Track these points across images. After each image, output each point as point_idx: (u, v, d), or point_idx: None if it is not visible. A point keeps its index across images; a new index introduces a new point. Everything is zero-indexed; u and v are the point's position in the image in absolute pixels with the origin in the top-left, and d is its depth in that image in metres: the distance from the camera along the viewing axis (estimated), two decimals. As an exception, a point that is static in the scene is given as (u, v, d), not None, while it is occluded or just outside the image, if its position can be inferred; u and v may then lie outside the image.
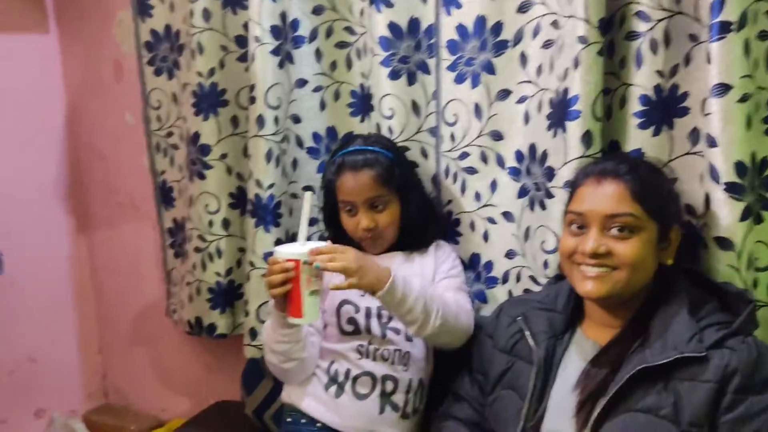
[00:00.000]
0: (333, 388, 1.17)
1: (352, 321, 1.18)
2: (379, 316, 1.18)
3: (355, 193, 1.17)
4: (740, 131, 0.96)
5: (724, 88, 0.95)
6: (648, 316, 0.94)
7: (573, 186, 1.01)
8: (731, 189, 0.97)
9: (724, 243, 0.99)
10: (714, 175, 0.98)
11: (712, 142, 0.98)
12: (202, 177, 1.45)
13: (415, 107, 1.30)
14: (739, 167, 0.97)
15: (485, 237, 1.29)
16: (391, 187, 1.18)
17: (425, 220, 1.24)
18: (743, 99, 0.96)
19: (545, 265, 1.17)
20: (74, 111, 1.79)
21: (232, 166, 1.47)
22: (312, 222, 1.44)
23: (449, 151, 1.29)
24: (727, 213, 0.98)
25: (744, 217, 0.98)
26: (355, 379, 1.16)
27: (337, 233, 1.24)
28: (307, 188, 1.35)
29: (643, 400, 0.85)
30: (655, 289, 0.96)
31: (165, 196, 1.65)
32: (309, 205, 1.06)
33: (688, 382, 0.85)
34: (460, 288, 1.22)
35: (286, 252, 1.02)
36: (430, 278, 1.21)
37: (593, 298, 0.94)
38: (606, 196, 0.93)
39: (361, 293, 1.14)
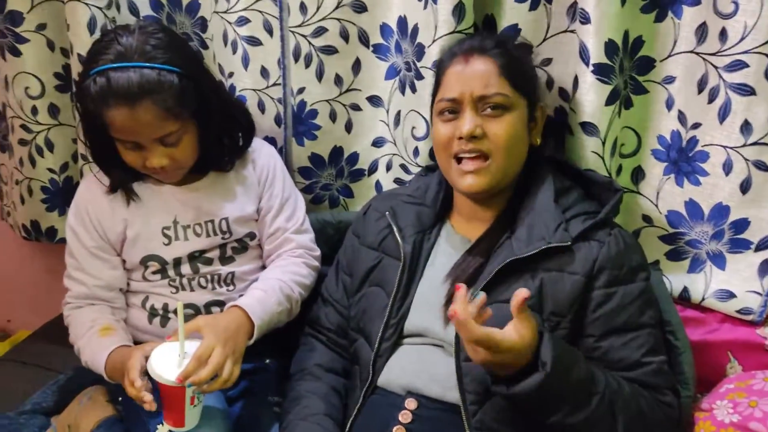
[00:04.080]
0: (156, 320, 1.06)
1: (158, 272, 1.05)
2: (191, 258, 1.04)
3: (137, 132, 0.92)
4: (614, 6, 0.91)
5: (600, -43, 0.88)
6: (516, 208, 0.93)
7: (439, 68, 0.95)
8: (599, 71, 0.93)
9: (589, 128, 0.96)
10: (584, 55, 0.93)
11: (584, 18, 0.91)
12: (16, 53, 1.24)
13: (255, -33, 1.08)
14: (610, 47, 0.92)
15: (348, 127, 1.18)
16: (185, 114, 0.94)
17: (230, 131, 1.05)
18: (620, -30, 0.89)
19: (416, 152, 1.11)
20: None
21: (53, 40, 1.25)
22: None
23: (299, 26, 1.10)
24: (593, 97, 0.94)
25: (610, 101, 0.95)
26: (176, 311, 1.00)
27: (112, 165, 1.01)
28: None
29: (509, 291, 0.84)
30: (524, 180, 0.95)
31: (-27, 78, 1.38)
32: (182, 315, 0.87)
33: (555, 272, 0.87)
34: (300, 228, 1.10)
35: (169, 380, 0.86)
36: (256, 198, 1.08)
37: (474, 192, 0.91)
38: (475, 76, 0.89)
39: (166, 242, 1.04)
